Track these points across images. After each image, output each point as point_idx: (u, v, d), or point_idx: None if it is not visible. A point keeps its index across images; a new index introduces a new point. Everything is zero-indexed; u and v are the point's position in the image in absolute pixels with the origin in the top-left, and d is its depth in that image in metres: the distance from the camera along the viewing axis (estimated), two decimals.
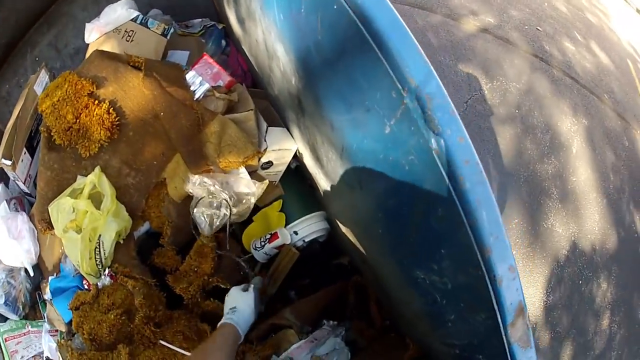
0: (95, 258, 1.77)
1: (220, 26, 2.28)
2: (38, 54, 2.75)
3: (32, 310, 2.38)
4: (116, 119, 1.71)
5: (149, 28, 2.13)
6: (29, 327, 2.29)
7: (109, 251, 1.77)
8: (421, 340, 1.54)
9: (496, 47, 3.85)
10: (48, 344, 2.09)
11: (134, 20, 2.16)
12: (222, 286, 1.73)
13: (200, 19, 2.41)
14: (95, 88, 1.73)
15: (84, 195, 1.73)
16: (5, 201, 2.30)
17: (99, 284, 1.78)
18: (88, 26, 2.22)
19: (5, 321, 2.31)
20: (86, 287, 1.89)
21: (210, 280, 1.74)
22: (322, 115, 1.24)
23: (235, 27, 1.98)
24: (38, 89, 2.25)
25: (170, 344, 1.59)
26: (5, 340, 2.22)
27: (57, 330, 2.11)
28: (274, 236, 1.79)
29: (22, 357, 2.22)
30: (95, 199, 1.71)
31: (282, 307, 1.76)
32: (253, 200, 1.74)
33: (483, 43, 3.85)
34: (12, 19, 2.54)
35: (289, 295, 1.89)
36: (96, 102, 1.72)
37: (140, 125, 1.72)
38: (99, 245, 1.76)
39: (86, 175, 1.80)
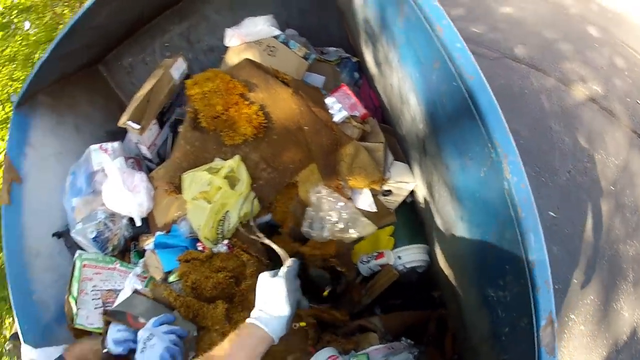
0: (217, 228, 2.07)
1: (354, 59, 2.56)
2: (168, 41, 3.10)
3: (121, 255, 2.63)
4: (264, 121, 2.02)
5: (291, 49, 2.51)
6: (118, 265, 2.50)
7: (232, 226, 2.08)
8: None
9: (601, 118, 4.09)
10: (132, 285, 2.25)
11: (276, 37, 2.52)
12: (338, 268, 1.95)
13: (335, 48, 2.65)
14: (247, 91, 2.05)
15: (221, 174, 2.01)
16: (123, 157, 2.58)
17: (214, 249, 2.00)
18: (228, 31, 2.58)
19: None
20: (200, 248, 2.14)
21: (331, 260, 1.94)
22: (441, 158, 1.47)
23: (371, 66, 2.16)
24: (174, 73, 2.64)
25: None
26: (84, 267, 2.39)
27: (145, 277, 2.30)
28: (381, 255, 2.04)
29: (94, 285, 2.39)
30: (230, 182, 1.98)
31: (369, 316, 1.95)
32: (356, 235, 2.02)
33: (590, 113, 4.12)
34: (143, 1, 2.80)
35: (375, 310, 2.09)
36: (246, 102, 2.04)
37: (284, 132, 2.02)
38: (224, 218, 2.06)
39: (224, 160, 2.15)
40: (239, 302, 1.83)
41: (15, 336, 5.79)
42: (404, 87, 1.73)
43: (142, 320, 1.70)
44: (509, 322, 1.23)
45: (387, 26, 1.67)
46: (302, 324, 1.51)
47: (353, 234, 1.99)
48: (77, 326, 2.29)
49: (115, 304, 2.23)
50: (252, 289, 1.71)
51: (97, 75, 3.21)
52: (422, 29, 1.25)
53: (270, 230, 2.19)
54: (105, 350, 1.84)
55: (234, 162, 2.01)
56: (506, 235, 1.12)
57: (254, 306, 1.57)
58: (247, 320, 1.34)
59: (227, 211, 2.03)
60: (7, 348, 4.74)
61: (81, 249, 2.61)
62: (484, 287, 1.37)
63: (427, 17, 1.22)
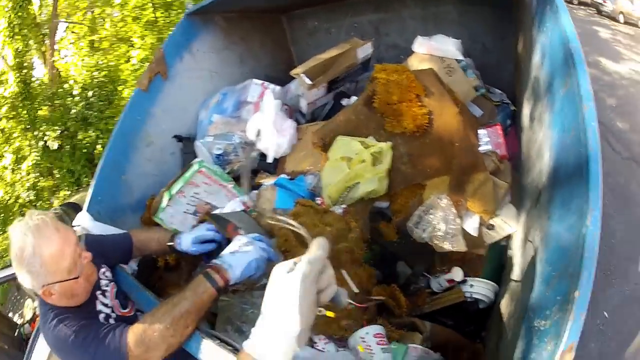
0: (342, 192, 2.37)
1: (512, 107, 2.91)
2: (358, 22, 3.49)
3: (236, 181, 2.78)
4: (426, 124, 2.36)
5: (467, 76, 2.94)
6: (231, 186, 2.72)
7: (355, 196, 2.36)
8: None
9: None
10: (235, 207, 2.47)
11: (458, 61, 2.93)
12: None
13: (500, 91, 3.01)
14: (423, 95, 2.44)
15: (370, 150, 2.33)
16: (280, 101, 2.96)
17: (331, 208, 2.31)
18: (420, 39, 3.04)
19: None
20: (318, 202, 2.41)
21: None
22: (548, 208, 1.67)
23: (525, 118, 2.41)
24: (360, 53, 3.10)
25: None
26: (199, 172, 2.60)
27: (248, 207, 2.48)
28: (448, 270, 2.36)
29: (196, 192, 2.64)
30: (373, 159, 2.31)
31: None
32: (448, 247, 2.30)
33: None
34: None
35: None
36: (419, 103, 2.40)
37: (437, 140, 2.36)
38: (352, 187, 2.41)
39: (377, 141, 2.45)
40: (331, 259, 2.12)
41: (68, 205, 6.13)
42: (545, 144, 1.90)
43: (242, 232, 1.84)
44: (538, 348, 1.34)
45: (552, 91, 1.84)
46: (329, 314, 1.12)
47: (446, 245, 2.26)
48: (156, 219, 2.53)
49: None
50: (347, 250, 2.10)
51: (277, 23, 3.56)
52: (574, 103, 1.50)
53: (380, 217, 2.56)
54: (170, 243, 2.04)
55: (385, 146, 2.34)
56: (569, 269, 1.29)
57: (340, 266, 1.87)
58: (244, 346, 1.04)
59: (358, 182, 2.32)
60: (55, 212, 5.14)
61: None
62: (532, 318, 1.48)
63: (581, 95, 1.47)
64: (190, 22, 3.03)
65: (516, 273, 2.04)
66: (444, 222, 2.34)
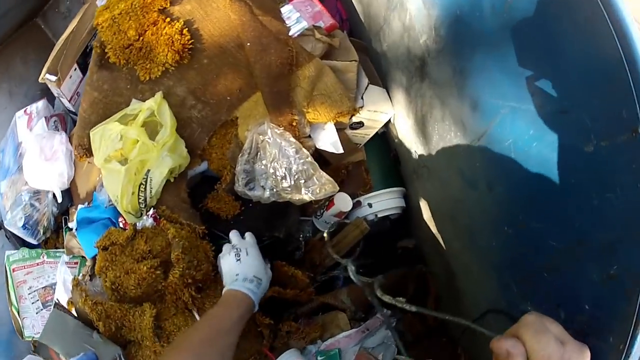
0: (139, 195, 1.76)
1: None
2: None
3: (55, 234, 2.47)
4: (189, 42, 1.69)
5: None
6: (45, 257, 2.36)
7: (157, 189, 1.76)
8: (478, 344, 1.50)
9: None
10: (64, 276, 2.12)
11: None
12: None
13: None
14: (169, 4, 1.72)
15: (138, 122, 1.71)
16: (44, 118, 2.40)
17: (138, 224, 1.76)
18: None
19: (18, 248, 2.38)
20: (121, 225, 1.89)
21: None
22: (461, 89, 1.22)
23: None
24: (100, 2, 2.29)
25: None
26: (13, 271, 2.30)
27: (76, 263, 2.17)
28: (331, 202, 1.82)
29: (29, 287, 2.29)
30: (149, 129, 1.74)
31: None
32: (309, 197, 1.69)
33: None
34: None
35: (339, 276, 1.91)
36: (167, 19, 1.70)
37: (218, 53, 1.71)
38: (146, 181, 1.75)
39: (142, 101, 1.80)
40: (172, 301, 1.58)
41: None
42: None
43: (62, 357, 1.62)
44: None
45: None
46: None
47: (305, 195, 1.66)
48: (26, 339, 2.21)
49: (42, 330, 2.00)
50: (186, 281, 1.56)
51: (35, 30, 2.99)
52: None
53: (211, 184, 1.90)
54: None
55: (153, 102, 1.67)
56: (611, 268, 0.82)
57: (191, 307, 1.57)
58: (226, 288, 1.38)
59: (148, 170, 1.71)
60: None
61: (20, 238, 2.48)
62: (517, 295, 1.16)
63: None
64: None
65: (428, 177, 1.65)
66: (285, 161, 1.62)
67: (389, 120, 1.86)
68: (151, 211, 1.74)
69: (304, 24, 1.81)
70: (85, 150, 1.90)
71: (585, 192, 0.84)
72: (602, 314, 0.84)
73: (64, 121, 2.52)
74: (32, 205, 2.36)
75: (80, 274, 2.04)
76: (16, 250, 2.36)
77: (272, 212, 1.75)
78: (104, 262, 1.64)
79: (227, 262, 1.49)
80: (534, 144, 0.95)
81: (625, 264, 0.77)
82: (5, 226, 2.42)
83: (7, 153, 2.52)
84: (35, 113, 2.44)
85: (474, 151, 1.21)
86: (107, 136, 1.74)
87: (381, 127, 1.89)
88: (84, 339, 1.57)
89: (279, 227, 1.73)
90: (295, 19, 1.82)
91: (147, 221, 1.73)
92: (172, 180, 1.79)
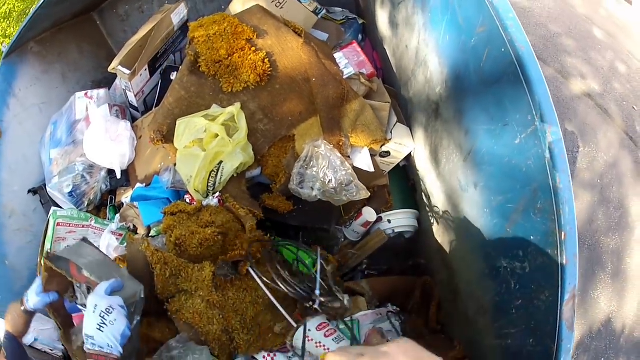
0: (209, 179, 1.99)
1: (360, 21, 2.66)
2: None
3: (97, 210, 2.65)
4: (269, 69, 2.02)
5: (301, 2, 2.58)
6: (93, 221, 2.48)
7: (225, 178, 2.07)
8: (472, 339, 1.70)
9: (595, 115, 4.36)
10: (108, 242, 2.27)
11: None
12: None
13: (341, 9, 2.74)
14: (255, 36, 2.06)
15: (218, 121, 1.95)
16: (107, 105, 2.63)
17: (204, 202, 1.95)
18: None
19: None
20: (188, 200, 2.13)
21: None
22: (459, 123, 1.59)
23: (383, 27, 2.32)
24: (175, 18, 2.67)
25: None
26: (57, 225, 2.37)
27: (121, 235, 2.32)
28: (359, 214, 2.10)
29: (68, 245, 2.33)
30: (227, 129, 1.97)
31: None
32: (347, 199, 2.01)
33: (585, 107, 4.38)
34: None
35: (357, 278, 2.15)
36: (253, 48, 2.03)
37: (288, 82, 2.04)
38: (218, 169, 2.05)
39: (221, 108, 2.12)
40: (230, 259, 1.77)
41: None
42: (424, 50, 1.84)
43: (85, 273, 1.52)
44: (523, 295, 1.29)
45: None
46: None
47: (344, 197, 1.97)
48: None
49: None
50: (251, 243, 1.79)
51: (90, 23, 3.19)
52: None
53: (262, 186, 2.24)
54: (22, 308, 1.70)
55: (234, 109, 2.00)
56: (537, 204, 1.19)
57: (245, 263, 1.69)
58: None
59: (222, 162, 1.99)
60: None
61: (57, 205, 2.64)
62: (495, 257, 1.43)
63: None
64: (7, 63, 2.74)
65: (437, 197, 1.96)
66: (332, 170, 2.00)
67: (410, 154, 2.16)
68: (217, 194, 2.03)
69: (352, 70, 2.25)
70: (162, 136, 2.15)
71: (520, 165, 1.26)
72: (542, 237, 1.18)
73: (124, 112, 2.75)
74: (83, 177, 2.54)
75: (124, 244, 2.22)
76: (64, 209, 2.47)
77: (319, 210, 2.03)
78: (172, 222, 1.78)
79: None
80: (495, 148, 1.38)
81: (546, 200, 1.15)
82: (49, 189, 2.59)
83: (61, 127, 2.72)
84: (97, 98, 2.68)
85: (467, 163, 1.57)
86: (191, 127, 2.01)
87: (403, 160, 2.20)
88: (113, 268, 1.54)
89: (327, 222, 2.05)
90: (344, 65, 2.26)
91: (213, 201, 1.94)
92: (236, 175, 2.12)
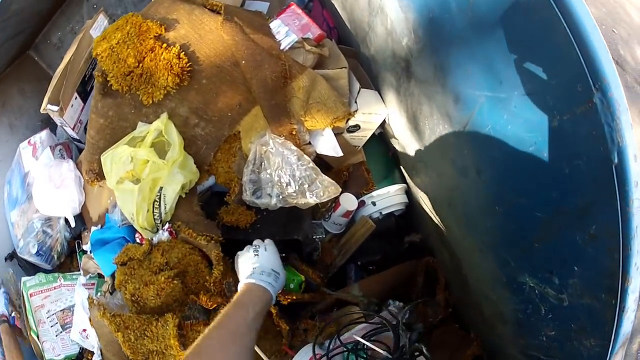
0: (153, 212, 1.81)
1: None
2: (96, 2, 2.87)
3: (69, 259, 2.52)
4: (187, 65, 1.75)
5: None
6: (61, 280, 2.38)
7: (171, 205, 1.82)
8: (491, 339, 1.58)
9: None
10: (82, 297, 2.13)
11: None
12: None
13: None
14: (163, 30, 1.79)
15: (146, 143, 1.76)
16: (49, 147, 2.43)
17: (154, 239, 1.77)
18: None
19: (35, 273, 2.39)
20: (138, 240, 1.94)
21: None
22: (443, 85, 1.28)
23: None
24: (95, 33, 2.37)
25: None
26: (30, 296, 2.29)
27: (93, 284, 2.21)
28: (337, 203, 1.86)
29: (48, 311, 2.29)
30: (158, 149, 1.76)
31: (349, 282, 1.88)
32: (314, 200, 1.74)
33: None
34: None
35: (350, 272, 1.96)
36: (164, 45, 1.77)
37: (215, 72, 1.78)
38: (160, 197, 1.81)
39: (148, 123, 1.86)
40: (189, 307, 1.66)
41: None
42: None
43: None
44: (559, 328, 1.08)
45: None
46: None
47: (311, 198, 1.71)
48: None
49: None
50: (219, 280, 1.65)
51: (28, 62, 3.03)
52: None
53: (222, 195, 1.95)
54: None
55: (160, 123, 1.77)
56: (589, 228, 0.88)
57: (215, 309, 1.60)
58: (242, 282, 1.36)
59: (161, 187, 1.78)
60: None
61: (31, 265, 2.53)
62: (515, 269, 1.19)
63: None
64: None
65: (426, 175, 1.73)
66: (288, 169, 1.69)
67: (384, 121, 1.91)
68: (166, 225, 1.80)
69: (294, 37, 1.88)
70: (96, 174, 1.95)
71: (557, 163, 0.91)
72: (591, 273, 0.91)
73: (69, 149, 2.56)
74: (44, 232, 2.40)
75: (99, 292, 2.11)
76: (32, 276, 2.36)
77: (286, 217, 1.79)
78: (123, 276, 1.66)
79: (245, 257, 1.47)
80: (509, 127, 1.02)
81: (603, 223, 0.83)
82: (19, 254, 2.45)
83: (14, 184, 2.58)
84: (40, 143, 2.49)
85: (461, 140, 1.27)
86: (117, 159, 1.79)
87: (377, 128, 1.94)
88: None
89: (297, 230, 1.79)
90: (284, 33, 1.89)
91: (163, 235, 1.78)
92: (183, 195, 1.85)
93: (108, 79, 1.81)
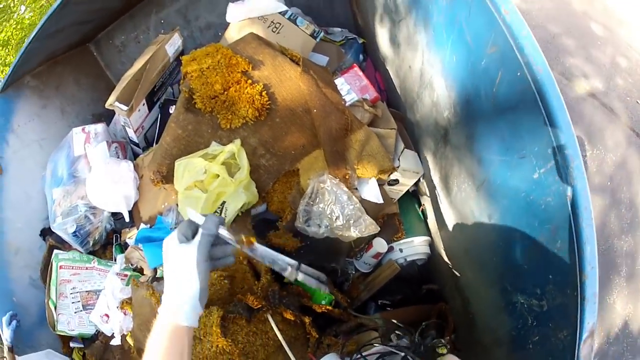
0: None
1: (360, 40, 2.57)
2: (164, 18, 3.05)
3: (102, 248, 2.64)
4: (267, 102, 1.94)
5: (298, 26, 2.47)
6: (95, 263, 2.49)
7: (230, 219, 2.01)
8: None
9: (601, 115, 4.29)
10: (113, 284, 2.25)
11: (282, 14, 2.47)
12: None
13: (340, 29, 2.66)
14: (250, 68, 1.97)
15: (218, 160, 1.89)
16: (105, 142, 2.56)
17: None
18: (231, 6, 2.52)
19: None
20: None
21: None
22: (471, 150, 1.50)
23: (384, 47, 2.22)
24: (169, 49, 2.60)
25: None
26: (60, 268, 2.39)
27: (126, 275, 2.32)
28: (369, 245, 2.05)
29: (74, 287, 2.39)
30: (226, 169, 1.90)
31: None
32: (356, 234, 1.94)
33: (590, 108, 4.30)
34: None
35: (370, 309, 2.09)
36: (249, 81, 1.94)
37: (288, 114, 1.96)
38: (221, 210, 1.99)
39: (220, 146, 1.99)
40: (233, 307, 1.77)
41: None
42: (430, 71, 1.73)
43: None
44: (541, 331, 1.25)
45: (420, 3, 1.65)
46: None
47: (354, 232, 1.90)
48: (58, 332, 2.30)
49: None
50: (267, 287, 1.78)
51: (86, 54, 3.17)
52: (483, 10, 1.24)
53: (268, 222, 2.16)
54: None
55: (235, 147, 1.93)
56: (557, 243, 1.12)
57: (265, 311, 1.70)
58: (159, 311, 1.18)
59: (224, 202, 1.94)
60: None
61: (63, 241, 2.62)
62: (511, 293, 1.38)
63: None
64: (4, 99, 2.71)
65: (451, 218, 1.86)
66: (339, 206, 1.92)
67: (419, 179, 2.07)
68: None
69: (354, 96, 2.14)
70: (162, 177, 2.09)
71: (539, 199, 1.17)
72: (560, 277, 1.13)
73: (125, 149, 2.70)
74: (86, 217, 2.51)
75: (129, 285, 2.22)
76: (66, 252, 2.49)
77: (327, 248, 1.96)
78: None
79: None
80: (510, 180, 1.28)
81: (566, 240, 1.08)
82: (53, 228, 2.55)
83: (61, 164, 2.67)
84: (94, 134, 2.62)
85: (480, 193, 1.48)
86: (190, 168, 1.95)
87: (412, 185, 2.11)
88: None
89: (336, 260, 1.99)
90: (346, 91, 2.16)
91: None
92: (240, 214, 2.05)
93: (194, 96, 1.97)
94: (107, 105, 2.43)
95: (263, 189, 2.04)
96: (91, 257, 2.50)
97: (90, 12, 2.71)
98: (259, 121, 1.98)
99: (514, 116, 1.22)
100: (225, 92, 1.97)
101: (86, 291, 2.42)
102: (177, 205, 2.14)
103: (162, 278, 2.05)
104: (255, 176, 2.01)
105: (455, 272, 1.89)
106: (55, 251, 2.47)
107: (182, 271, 1.14)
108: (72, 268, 2.42)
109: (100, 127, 2.66)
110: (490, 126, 1.36)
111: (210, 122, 2.01)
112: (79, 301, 2.39)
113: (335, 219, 1.89)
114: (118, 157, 2.58)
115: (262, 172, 2.03)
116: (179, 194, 2.03)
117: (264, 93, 1.95)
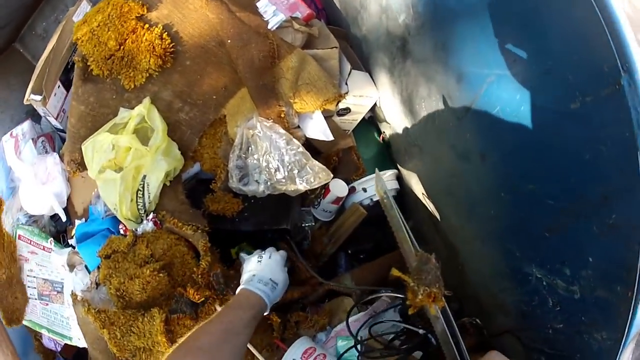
0: (137, 201, 1.73)
1: None
2: None
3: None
4: (170, 45, 1.68)
5: None
6: (52, 243, 2.24)
7: (155, 194, 1.73)
8: (490, 329, 1.51)
9: None
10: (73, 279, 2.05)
11: None
12: None
13: None
14: (145, 10, 1.71)
15: (129, 129, 1.68)
16: (31, 140, 2.33)
17: (138, 230, 1.73)
18: None
19: None
20: (122, 232, 1.85)
21: None
22: (445, 64, 1.22)
23: None
24: (77, 19, 2.24)
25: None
26: (19, 238, 2.23)
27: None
28: (327, 190, 1.80)
29: (31, 270, 2.24)
30: (141, 135, 1.68)
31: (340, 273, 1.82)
32: (304, 187, 1.67)
33: None
34: None
35: (340, 261, 1.91)
36: (146, 26, 1.69)
37: (200, 53, 1.70)
38: (143, 187, 1.72)
39: (130, 109, 1.78)
40: (195, 292, 1.57)
41: None
42: None
43: None
44: (569, 321, 1.01)
45: None
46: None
47: (300, 185, 1.64)
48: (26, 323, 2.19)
49: None
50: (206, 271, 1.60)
51: (14, 54, 2.97)
52: None
53: (207, 183, 1.87)
54: None
55: (143, 108, 1.67)
56: (609, 217, 0.82)
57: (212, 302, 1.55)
58: (240, 287, 1.37)
59: (145, 176, 1.70)
60: None
61: None
62: (521, 260, 1.12)
63: None
64: None
65: (420, 159, 1.66)
66: (276, 154, 1.61)
67: (375, 104, 1.85)
68: (151, 215, 1.73)
69: (281, 16, 1.80)
70: (78, 165, 1.88)
71: (577, 148, 0.85)
72: (607, 265, 0.85)
73: (52, 140, 2.46)
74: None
75: (85, 286, 1.95)
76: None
77: (275, 204, 1.73)
78: (107, 270, 1.60)
79: (248, 263, 1.48)
80: (522, 108, 0.95)
81: (623, 214, 0.78)
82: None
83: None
84: (22, 135, 2.39)
85: (464, 123, 1.21)
86: (98, 147, 1.72)
87: (368, 112, 1.89)
88: None
89: (285, 218, 1.73)
90: (272, 12, 1.81)
91: (147, 225, 1.71)
92: (168, 184, 1.77)
93: (88, 63, 1.74)
94: (25, 102, 2.22)
95: (189, 147, 1.78)
96: (48, 235, 2.27)
97: (8, 14, 2.57)
98: (165, 70, 1.70)
99: (529, 2, 0.89)
100: (122, 47, 1.72)
101: (43, 279, 2.24)
102: None
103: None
104: (177, 135, 1.76)
105: (432, 212, 1.62)
106: (18, 217, 2.30)
107: (275, 268, 1.45)
108: (30, 243, 2.24)
109: (26, 125, 2.42)
110: (480, 26, 1.04)
111: (113, 87, 1.75)
112: (35, 287, 2.24)
113: (275, 172, 1.62)
114: (46, 152, 2.35)
115: (185, 129, 1.77)
116: (96, 180, 1.78)
117: (164, 35, 1.67)
